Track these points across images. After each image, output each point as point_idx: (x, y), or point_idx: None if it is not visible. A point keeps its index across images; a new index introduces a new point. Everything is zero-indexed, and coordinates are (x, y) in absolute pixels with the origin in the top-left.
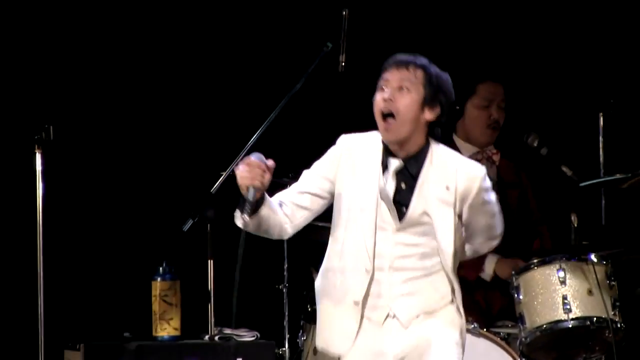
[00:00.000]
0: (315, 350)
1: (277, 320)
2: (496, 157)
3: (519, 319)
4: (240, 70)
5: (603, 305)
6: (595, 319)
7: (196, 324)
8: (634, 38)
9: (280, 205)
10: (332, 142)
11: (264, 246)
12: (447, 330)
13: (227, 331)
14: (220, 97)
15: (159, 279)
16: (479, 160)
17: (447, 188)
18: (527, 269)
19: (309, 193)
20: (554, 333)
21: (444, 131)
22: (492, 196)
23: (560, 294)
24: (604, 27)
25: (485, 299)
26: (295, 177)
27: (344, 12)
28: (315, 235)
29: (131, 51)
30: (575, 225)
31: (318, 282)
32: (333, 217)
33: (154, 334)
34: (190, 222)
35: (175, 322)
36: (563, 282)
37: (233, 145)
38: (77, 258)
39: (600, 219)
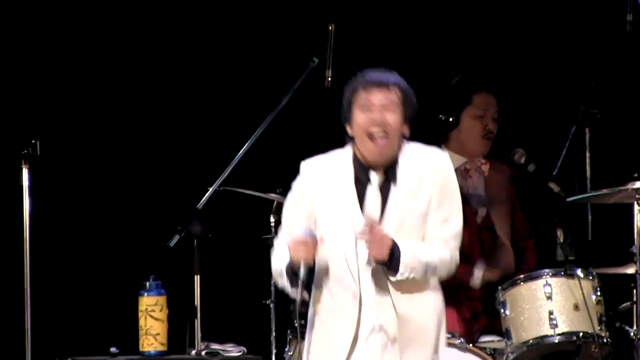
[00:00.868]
0: None
1: (264, 335)
2: (485, 168)
3: (505, 334)
4: (227, 86)
5: (589, 321)
6: (581, 334)
7: (183, 339)
8: (619, 53)
9: None
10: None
11: (250, 261)
12: None
13: (214, 346)
14: (207, 113)
15: (145, 294)
16: (467, 171)
17: (412, 178)
18: (514, 284)
19: None
20: (541, 348)
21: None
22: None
23: (546, 309)
24: (589, 42)
25: (471, 314)
26: (283, 193)
27: (330, 28)
28: None
29: (118, 68)
30: (561, 240)
31: (310, 311)
32: None
33: (140, 349)
34: (176, 238)
35: (162, 337)
36: (549, 298)
37: (220, 160)
38: (64, 273)
39: (587, 234)
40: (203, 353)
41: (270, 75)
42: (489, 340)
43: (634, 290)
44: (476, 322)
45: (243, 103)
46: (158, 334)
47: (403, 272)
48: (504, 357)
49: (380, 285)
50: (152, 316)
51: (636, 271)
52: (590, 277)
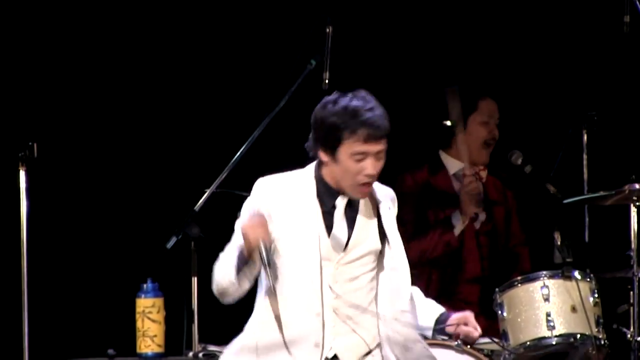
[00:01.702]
0: None
1: None
2: (483, 174)
3: (502, 336)
4: (223, 88)
5: (587, 322)
6: (579, 335)
7: (180, 341)
8: (616, 55)
9: None
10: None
11: None
12: None
13: (212, 348)
14: (204, 115)
15: (142, 295)
16: (464, 176)
17: (389, 209)
18: (511, 286)
19: None
20: (538, 350)
21: (431, 147)
22: None
23: (544, 310)
24: (586, 44)
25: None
26: None
27: (328, 30)
28: None
29: (115, 71)
30: (559, 242)
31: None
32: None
33: (137, 350)
34: (174, 239)
35: (159, 339)
36: (547, 299)
37: (217, 162)
38: (61, 275)
39: (584, 236)
40: (200, 355)
41: (267, 77)
42: (486, 342)
43: (631, 292)
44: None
45: (240, 105)
46: (155, 336)
47: None
48: (501, 359)
49: (341, 303)
50: (149, 318)
51: (633, 273)
52: (588, 279)
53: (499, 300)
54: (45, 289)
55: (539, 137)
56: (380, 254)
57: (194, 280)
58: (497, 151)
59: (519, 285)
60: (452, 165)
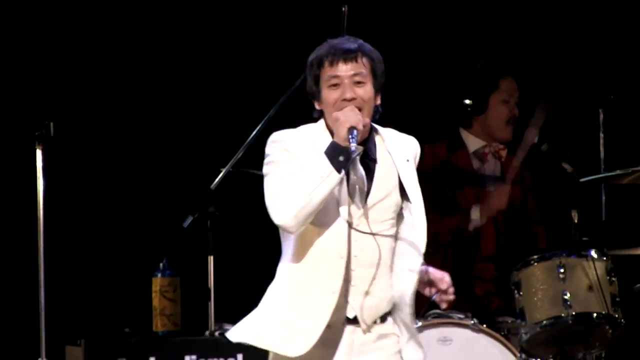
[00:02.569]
0: None
1: None
2: (503, 152)
3: (518, 315)
4: (240, 67)
5: (603, 301)
6: (595, 314)
7: (196, 320)
8: (633, 34)
9: None
10: None
11: (264, 242)
12: None
13: (228, 327)
14: (219, 93)
15: (159, 275)
16: (485, 155)
17: (407, 160)
18: (527, 264)
19: None
20: (554, 329)
21: (452, 125)
22: None
23: (560, 290)
24: (604, 23)
25: (484, 293)
26: None
27: (344, 9)
28: None
29: (131, 48)
30: (576, 221)
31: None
32: None
33: (154, 329)
34: (190, 219)
35: (176, 318)
36: (563, 279)
37: (233, 141)
38: (78, 254)
39: (601, 215)
40: (216, 334)
41: (284, 56)
42: (503, 320)
43: None
44: (489, 303)
45: (256, 84)
46: (171, 315)
47: None
48: (518, 337)
49: (364, 258)
50: (165, 297)
51: None
52: (604, 258)
53: (515, 279)
54: (62, 268)
55: (555, 116)
56: (401, 209)
57: (210, 259)
58: (514, 131)
59: (536, 264)
60: (473, 143)
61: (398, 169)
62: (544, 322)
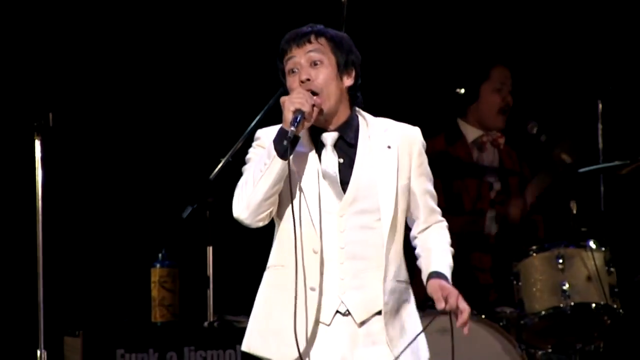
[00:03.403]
0: None
1: None
2: (501, 141)
3: (517, 305)
4: (239, 57)
5: (602, 292)
6: (593, 305)
7: (195, 311)
8: (632, 25)
9: None
10: None
11: (263, 232)
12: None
13: (227, 317)
14: (219, 84)
15: (158, 265)
16: (483, 144)
17: (389, 147)
18: (526, 255)
19: None
20: (553, 319)
21: (448, 115)
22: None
23: (559, 280)
24: (602, 14)
25: (483, 284)
26: None
27: (343, 0)
28: None
29: (130, 39)
30: (575, 212)
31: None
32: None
33: (153, 320)
34: (189, 209)
35: (174, 309)
36: (562, 269)
37: (232, 131)
38: (76, 245)
39: (599, 206)
40: (215, 324)
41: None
42: (501, 311)
43: None
44: (488, 293)
45: (255, 75)
46: (170, 305)
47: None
48: (516, 328)
49: (344, 251)
50: (164, 287)
51: None
52: (603, 249)
53: (514, 270)
54: (61, 258)
55: (554, 107)
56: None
57: (209, 249)
58: (512, 121)
59: (534, 254)
60: (470, 132)
61: (375, 154)
62: (543, 312)
